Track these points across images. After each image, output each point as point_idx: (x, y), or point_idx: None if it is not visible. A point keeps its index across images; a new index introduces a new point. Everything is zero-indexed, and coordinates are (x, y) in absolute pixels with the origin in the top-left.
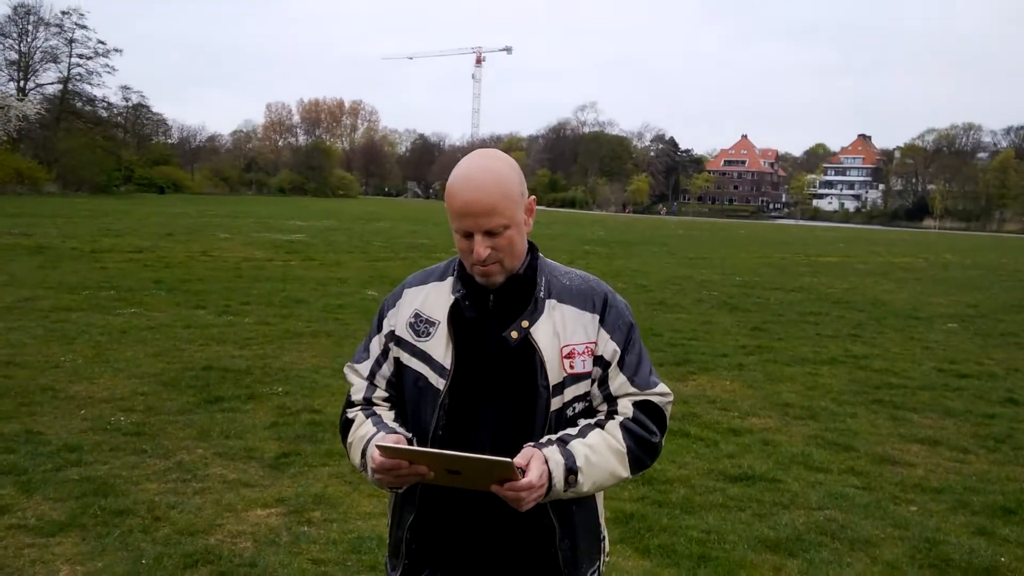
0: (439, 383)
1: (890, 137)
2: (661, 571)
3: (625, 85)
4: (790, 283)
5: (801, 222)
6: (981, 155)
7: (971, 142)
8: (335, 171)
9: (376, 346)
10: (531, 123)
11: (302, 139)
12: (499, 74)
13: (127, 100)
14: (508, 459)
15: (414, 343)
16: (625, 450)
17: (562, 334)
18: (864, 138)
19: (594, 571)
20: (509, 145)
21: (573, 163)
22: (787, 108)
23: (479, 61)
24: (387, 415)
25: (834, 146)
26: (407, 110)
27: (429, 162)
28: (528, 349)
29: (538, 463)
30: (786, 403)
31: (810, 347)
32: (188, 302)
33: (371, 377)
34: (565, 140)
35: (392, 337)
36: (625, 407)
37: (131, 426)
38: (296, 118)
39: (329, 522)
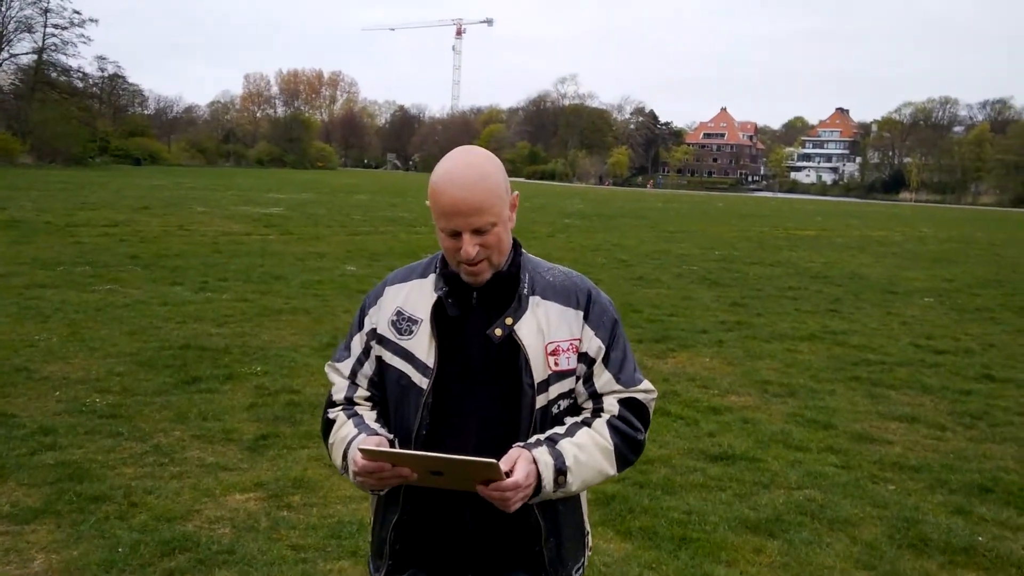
0: (422, 382)
1: (868, 110)
2: (642, 553)
3: (605, 58)
4: (769, 257)
5: (779, 195)
6: (957, 128)
7: (947, 116)
8: (314, 143)
9: (358, 344)
10: (511, 95)
11: (281, 110)
12: (480, 46)
13: (103, 70)
14: (492, 460)
15: (397, 341)
16: (612, 448)
17: (546, 331)
18: (842, 111)
19: (579, 568)
20: (489, 117)
21: (553, 136)
22: (766, 81)
23: (459, 33)
24: (369, 415)
25: (812, 119)
26: (387, 81)
27: (409, 134)
28: (512, 347)
29: (525, 463)
30: (765, 380)
31: (789, 323)
32: (165, 278)
33: (352, 376)
34: (545, 112)
35: (374, 335)
36: (611, 405)
37: (107, 408)
38: (275, 89)
39: (309, 506)
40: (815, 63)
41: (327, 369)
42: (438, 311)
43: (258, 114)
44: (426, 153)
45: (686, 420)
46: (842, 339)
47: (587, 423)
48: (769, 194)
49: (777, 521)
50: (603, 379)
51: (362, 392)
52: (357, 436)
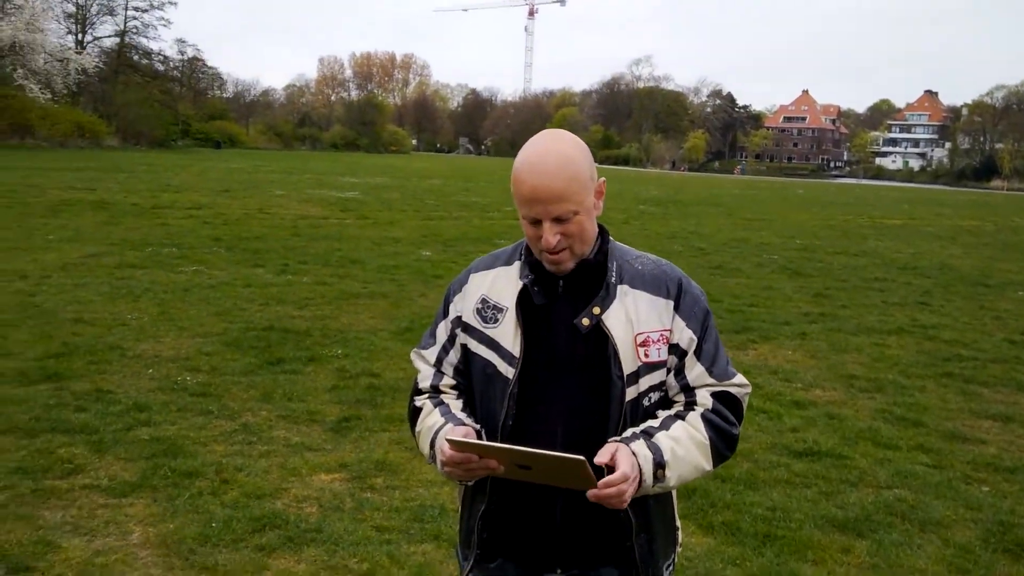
0: (508, 371)
1: (958, 94)
2: (725, 549)
3: (681, 39)
4: (853, 247)
5: (863, 181)
6: None
7: None
8: (387, 126)
9: (443, 332)
10: (584, 78)
11: (354, 93)
12: (552, 27)
13: (182, 53)
14: (580, 456)
15: (482, 329)
16: (708, 443)
17: (635, 321)
18: (930, 94)
19: (669, 564)
20: (562, 100)
21: (627, 119)
22: (850, 62)
23: (532, 14)
24: (455, 404)
25: (899, 102)
26: (459, 64)
27: (481, 117)
28: (600, 337)
29: (626, 456)
30: (851, 375)
31: (876, 315)
32: (247, 260)
33: (438, 364)
34: (619, 95)
35: (459, 323)
36: (704, 398)
37: (197, 386)
38: (348, 72)
39: (391, 489)
40: (902, 43)
41: (413, 356)
42: (524, 299)
43: (332, 97)
44: (498, 137)
45: (768, 414)
46: (932, 333)
47: (681, 417)
48: (853, 180)
49: (866, 521)
50: (695, 372)
51: (448, 380)
52: (444, 425)
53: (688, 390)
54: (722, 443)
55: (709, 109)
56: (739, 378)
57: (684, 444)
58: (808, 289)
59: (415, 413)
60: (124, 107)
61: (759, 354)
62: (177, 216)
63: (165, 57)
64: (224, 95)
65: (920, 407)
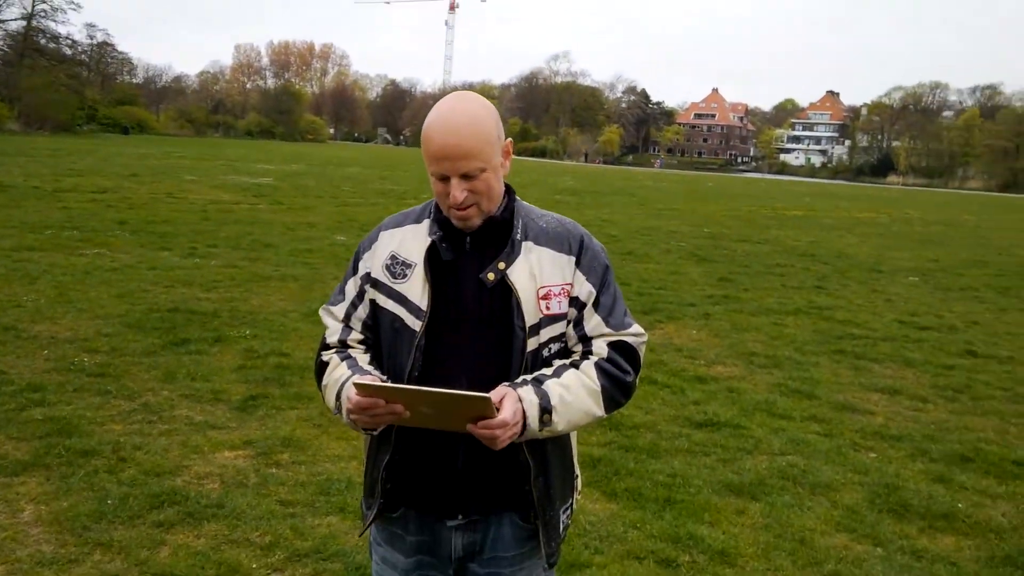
0: (415, 324)
1: (858, 94)
2: (628, 513)
3: (598, 36)
4: (757, 235)
5: (768, 176)
6: (947, 113)
7: (937, 101)
8: (304, 115)
9: (352, 288)
10: (504, 71)
11: (271, 82)
12: (473, 21)
13: (92, 38)
14: (486, 395)
15: (391, 285)
16: (599, 389)
17: (539, 275)
18: (832, 94)
19: (567, 508)
20: (481, 93)
21: (545, 113)
22: (757, 63)
23: (452, 8)
24: (362, 358)
25: (803, 102)
26: (378, 55)
27: (400, 108)
28: (505, 290)
29: (512, 402)
30: (751, 352)
31: (775, 298)
32: (153, 244)
33: (346, 319)
34: (537, 89)
35: (368, 279)
36: (600, 347)
37: (95, 367)
38: (265, 60)
39: (297, 464)
40: (806, 46)
41: (321, 312)
42: (432, 255)
43: (248, 85)
44: (417, 128)
45: (672, 388)
46: (827, 314)
47: (575, 365)
48: (758, 175)
49: (760, 485)
50: (593, 322)
51: (355, 335)
52: (351, 377)
53: (586, 340)
54: (616, 390)
55: (624, 105)
56: (635, 328)
57: (574, 391)
58: (713, 274)
59: (321, 368)
60: (28, 91)
61: (665, 333)
62: (80, 200)
63: (73, 41)
64: (134, 80)
65: (813, 381)
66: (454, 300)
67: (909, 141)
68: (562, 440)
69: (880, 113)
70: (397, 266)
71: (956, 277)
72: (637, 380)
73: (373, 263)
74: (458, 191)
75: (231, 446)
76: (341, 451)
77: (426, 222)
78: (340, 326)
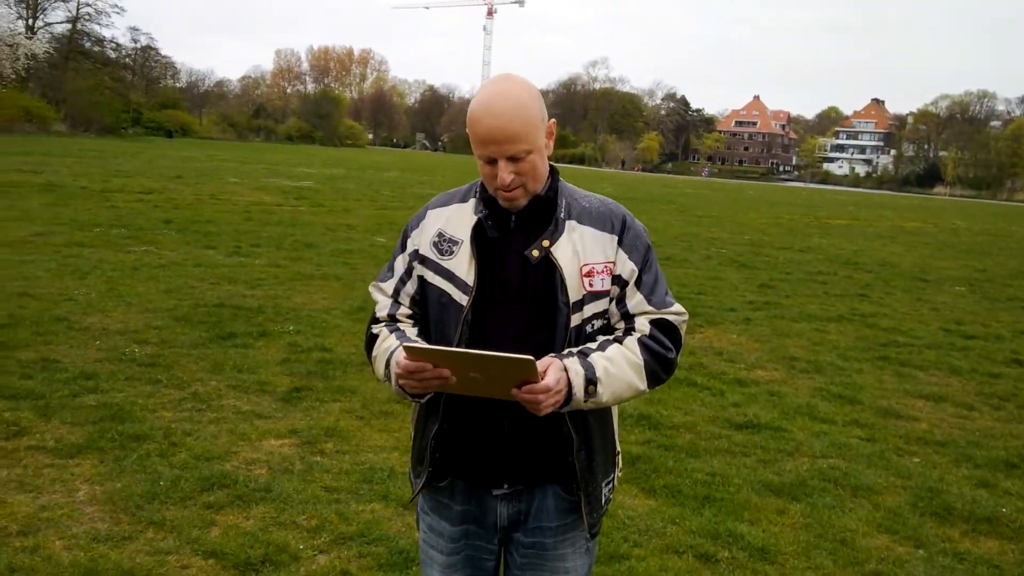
0: (462, 299)
1: (903, 102)
2: (666, 509)
3: (637, 41)
4: (799, 243)
5: (811, 185)
6: (994, 123)
7: (985, 110)
8: (344, 120)
9: (400, 265)
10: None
11: (311, 87)
12: (510, 26)
13: (136, 42)
14: (529, 356)
15: (438, 261)
16: (642, 363)
17: (582, 253)
18: (877, 102)
19: (608, 482)
20: None
21: (583, 119)
22: (801, 70)
23: (490, 13)
24: (410, 331)
25: (847, 110)
26: (417, 61)
27: (438, 114)
28: (549, 267)
29: (556, 370)
30: (792, 357)
31: (817, 305)
32: (198, 242)
33: (395, 295)
34: (576, 96)
35: (416, 256)
36: (642, 324)
37: (145, 357)
38: (305, 65)
39: (341, 453)
40: (850, 53)
41: (371, 289)
42: (478, 233)
43: (288, 90)
44: (455, 134)
45: (712, 391)
46: (871, 321)
47: (619, 340)
48: (801, 184)
49: (801, 486)
50: (635, 300)
51: (404, 310)
52: (399, 346)
53: (628, 317)
54: (658, 366)
55: (663, 111)
56: (676, 307)
57: (618, 364)
58: (754, 280)
59: (372, 340)
60: (74, 94)
61: (705, 337)
62: (127, 199)
63: (117, 45)
64: (178, 84)
65: (856, 386)
66: (499, 276)
67: (956, 151)
68: (604, 416)
69: (926, 122)
70: (444, 243)
71: (1003, 287)
72: (678, 357)
73: (421, 240)
74: (505, 173)
75: (277, 435)
76: (383, 442)
77: (472, 201)
78: (389, 301)
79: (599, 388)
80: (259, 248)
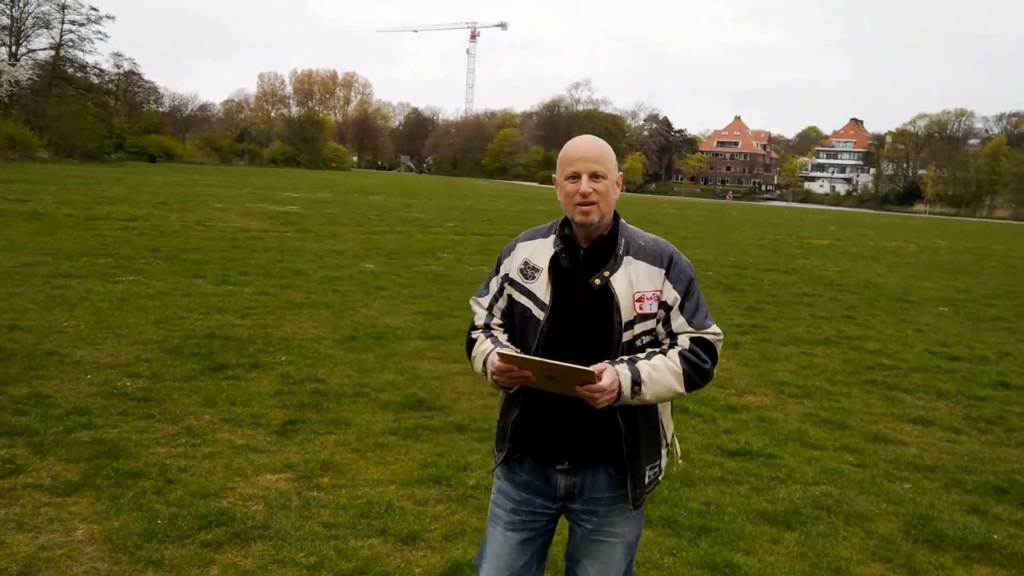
0: (540, 315)
1: (882, 122)
2: (663, 540)
3: (619, 64)
4: (783, 264)
5: (793, 204)
6: (972, 141)
7: (963, 128)
8: (328, 143)
9: (494, 284)
10: (525, 99)
11: (295, 110)
12: (494, 49)
13: (119, 67)
14: (592, 368)
15: (523, 284)
16: (681, 372)
17: (635, 283)
18: (856, 122)
19: (654, 467)
20: (503, 121)
21: (567, 140)
22: (780, 90)
23: (474, 36)
24: (502, 337)
25: (826, 129)
26: (401, 84)
27: (423, 136)
28: (607, 293)
29: (610, 374)
30: (781, 381)
31: (804, 327)
32: (186, 271)
33: (490, 308)
34: (559, 117)
35: (507, 279)
36: (684, 341)
37: (138, 391)
38: (289, 89)
39: (338, 488)
40: (829, 73)
41: (471, 302)
42: (555, 263)
43: (272, 113)
44: (440, 156)
45: (704, 417)
46: (857, 344)
47: (663, 352)
48: (783, 203)
49: (794, 514)
50: (678, 322)
51: (496, 320)
52: (493, 350)
53: (672, 335)
54: (695, 374)
55: (646, 132)
56: (714, 328)
57: (660, 370)
58: (741, 303)
59: (471, 343)
60: (57, 120)
61: None
62: (112, 228)
63: (101, 70)
64: (160, 109)
65: (845, 411)
66: (569, 298)
67: (935, 169)
68: (650, 411)
69: (905, 141)
70: (529, 270)
71: (986, 307)
72: (715, 369)
73: (511, 266)
74: (586, 185)
75: (273, 469)
76: (379, 475)
77: (552, 237)
78: (485, 313)
79: (643, 388)
80: (248, 276)
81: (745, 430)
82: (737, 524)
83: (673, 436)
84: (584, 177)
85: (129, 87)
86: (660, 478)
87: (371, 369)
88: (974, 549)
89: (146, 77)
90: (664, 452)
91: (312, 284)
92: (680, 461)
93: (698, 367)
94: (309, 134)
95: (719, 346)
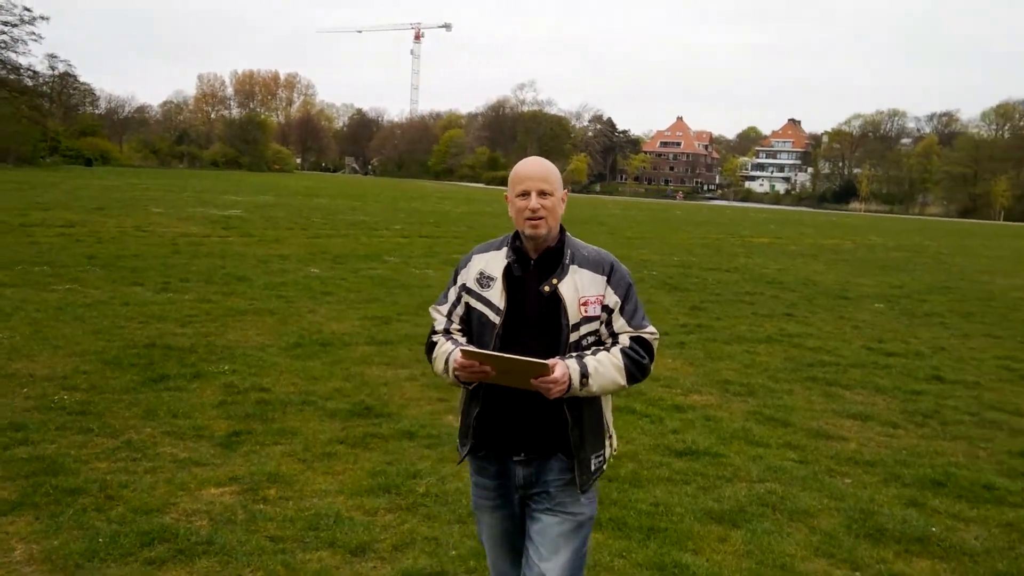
0: (496, 319)
1: (819, 122)
2: (613, 543)
3: (564, 65)
4: (726, 263)
5: (734, 203)
6: (905, 141)
7: (896, 128)
8: (271, 145)
9: (452, 293)
10: (470, 101)
11: (236, 112)
12: (438, 50)
13: (53, 68)
14: (546, 361)
15: (480, 292)
16: (623, 366)
17: (580, 289)
18: (794, 122)
19: (598, 456)
20: (448, 122)
21: (512, 142)
22: (722, 91)
23: (418, 37)
24: (461, 340)
25: (765, 130)
26: (344, 85)
27: (367, 137)
28: (555, 298)
29: (561, 367)
30: (726, 380)
31: (747, 326)
32: (124, 279)
33: (449, 315)
34: (504, 118)
35: (464, 288)
36: (624, 339)
37: (76, 405)
38: (229, 90)
39: (284, 500)
40: (768, 74)
41: (431, 310)
42: (508, 273)
43: (212, 115)
44: (385, 157)
45: (651, 418)
46: (798, 341)
47: (607, 349)
48: (724, 202)
49: (740, 512)
50: (619, 323)
51: (455, 325)
52: (454, 350)
53: (614, 335)
54: (635, 369)
55: (591, 133)
56: (650, 328)
57: (604, 364)
58: (686, 302)
59: (431, 346)
60: None
61: None
62: (48, 234)
63: (35, 72)
64: (97, 111)
65: (788, 408)
66: (522, 303)
67: (870, 168)
68: (595, 404)
69: (841, 140)
70: (484, 279)
71: (920, 303)
72: (652, 365)
73: (468, 276)
74: (535, 201)
75: (217, 483)
76: (328, 485)
77: (505, 249)
78: (444, 319)
79: (590, 381)
80: (188, 283)
81: (692, 429)
82: (685, 524)
83: (613, 429)
84: (533, 194)
85: (64, 89)
86: (604, 467)
87: (318, 377)
88: (913, 542)
89: (82, 79)
90: (608, 443)
91: (256, 290)
92: (615, 452)
93: (637, 362)
94: (251, 136)
95: (655, 344)
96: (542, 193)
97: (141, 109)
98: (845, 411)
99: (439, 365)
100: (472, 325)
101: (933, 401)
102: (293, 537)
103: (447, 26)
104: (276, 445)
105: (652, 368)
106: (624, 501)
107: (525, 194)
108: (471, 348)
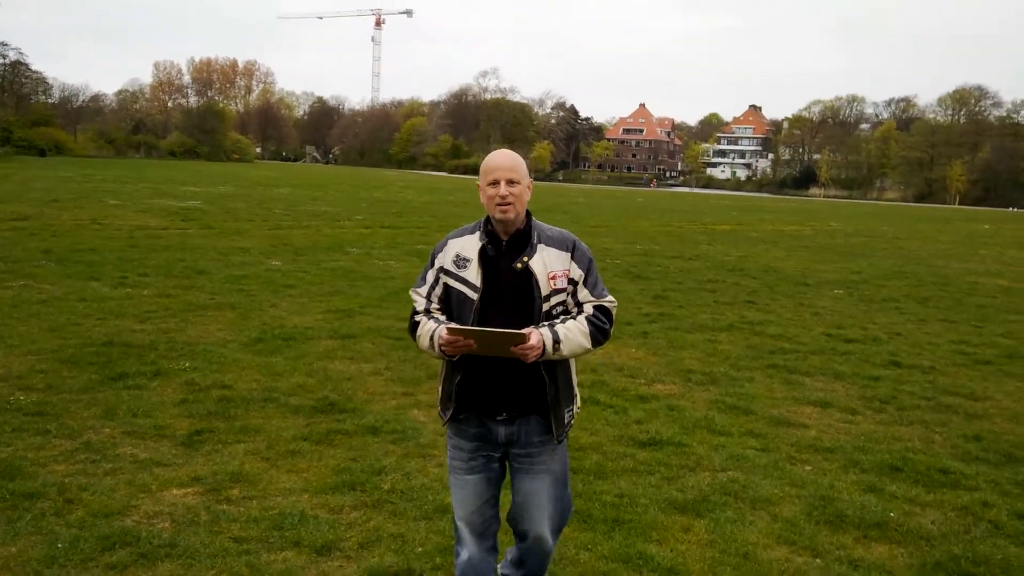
0: (473, 296)
1: (779, 108)
2: (578, 535)
3: (526, 52)
4: (688, 251)
5: (696, 190)
6: (864, 126)
7: (855, 114)
8: (229, 134)
9: (431, 275)
10: (432, 88)
11: (193, 100)
12: (400, 37)
13: (4, 57)
14: (523, 332)
15: (457, 272)
16: (588, 331)
17: (548, 264)
18: (755, 108)
19: (569, 410)
20: (410, 110)
21: (475, 129)
22: (682, 78)
23: (379, 23)
24: (441, 318)
25: (727, 116)
26: (304, 73)
27: (328, 126)
28: (527, 274)
29: (536, 335)
30: (689, 369)
31: (709, 314)
32: (81, 274)
33: (428, 295)
34: (467, 106)
35: (442, 270)
36: (588, 308)
37: (32, 405)
38: (187, 78)
39: (248, 499)
40: (729, 61)
41: (411, 292)
42: (483, 253)
43: (169, 104)
44: (346, 146)
45: (615, 408)
46: (759, 329)
47: (574, 317)
48: (686, 189)
49: (703, 502)
50: (583, 294)
51: (435, 305)
52: (437, 327)
53: (579, 304)
54: (598, 333)
55: (554, 121)
56: (609, 297)
57: (572, 331)
58: (648, 291)
59: (414, 325)
60: None
61: (605, 353)
62: (1, 229)
63: None
64: (50, 100)
65: (749, 396)
66: (496, 280)
67: (829, 154)
68: (565, 367)
69: (800, 127)
70: (460, 260)
71: (878, 288)
72: (612, 330)
73: (445, 259)
74: (504, 189)
75: (179, 483)
76: (292, 484)
77: (478, 233)
78: (424, 300)
79: (561, 346)
80: (147, 277)
81: (655, 419)
82: (649, 515)
83: (578, 388)
84: (502, 183)
85: (16, 78)
86: (572, 421)
87: (280, 372)
88: (872, 528)
89: (34, 67)
90: (575, 399)
91: (216, 284)
92: (579, 409)
93: (600, 328)
94: (209, 125)
95: (614, 311)
96: (510, 182)
97: (96, 98)
98: (805, 398)
99: (424, 342)
100: (451, 303)
101: (891, 387)
102: (257, 537)
103: (408, 12)
104: (239, 444)
105: (612, 332)
106: (589, 493)
107: (495, 183)
108: (455, 325)
